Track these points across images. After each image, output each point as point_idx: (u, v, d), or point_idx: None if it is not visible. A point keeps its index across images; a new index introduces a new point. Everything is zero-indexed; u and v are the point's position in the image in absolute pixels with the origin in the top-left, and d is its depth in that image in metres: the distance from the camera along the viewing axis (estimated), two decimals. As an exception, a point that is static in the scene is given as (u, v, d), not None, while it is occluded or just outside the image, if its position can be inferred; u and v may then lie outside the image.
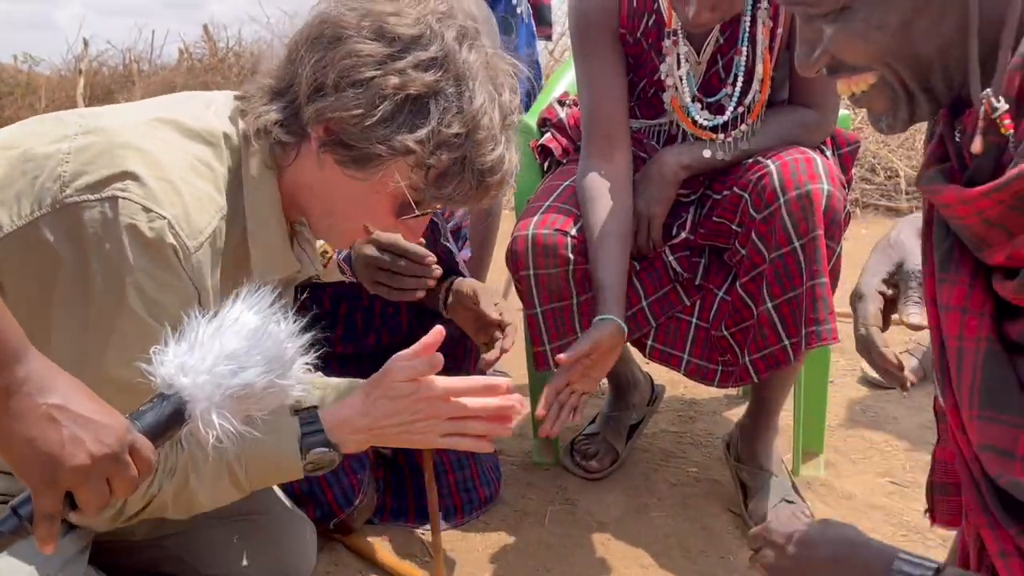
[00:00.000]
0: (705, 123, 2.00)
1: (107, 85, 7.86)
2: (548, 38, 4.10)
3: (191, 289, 1.26)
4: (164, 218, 1.22)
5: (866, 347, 1.38)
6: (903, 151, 5.43)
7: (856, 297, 1.41)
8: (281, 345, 1.07)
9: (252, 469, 1.38)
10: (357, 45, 1.26)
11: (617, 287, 1.89)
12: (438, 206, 1.38)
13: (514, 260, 1.97)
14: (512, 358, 2.69)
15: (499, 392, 1.47)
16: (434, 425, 1.45)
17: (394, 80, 1.26)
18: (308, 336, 1.11)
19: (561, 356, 1.78)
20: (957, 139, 1.16)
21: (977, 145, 1.08)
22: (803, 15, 1.15)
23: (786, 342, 1.88)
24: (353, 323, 2.14)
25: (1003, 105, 1.04)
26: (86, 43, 8.07)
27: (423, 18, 1.29)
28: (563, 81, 2.49)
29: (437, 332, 1.43)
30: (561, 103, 2.23)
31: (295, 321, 1.11)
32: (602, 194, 1.95)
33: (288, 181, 1.37)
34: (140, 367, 1.04)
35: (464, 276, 2.05)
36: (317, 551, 1.87)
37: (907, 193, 5.19)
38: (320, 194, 1.36)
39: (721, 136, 2.00)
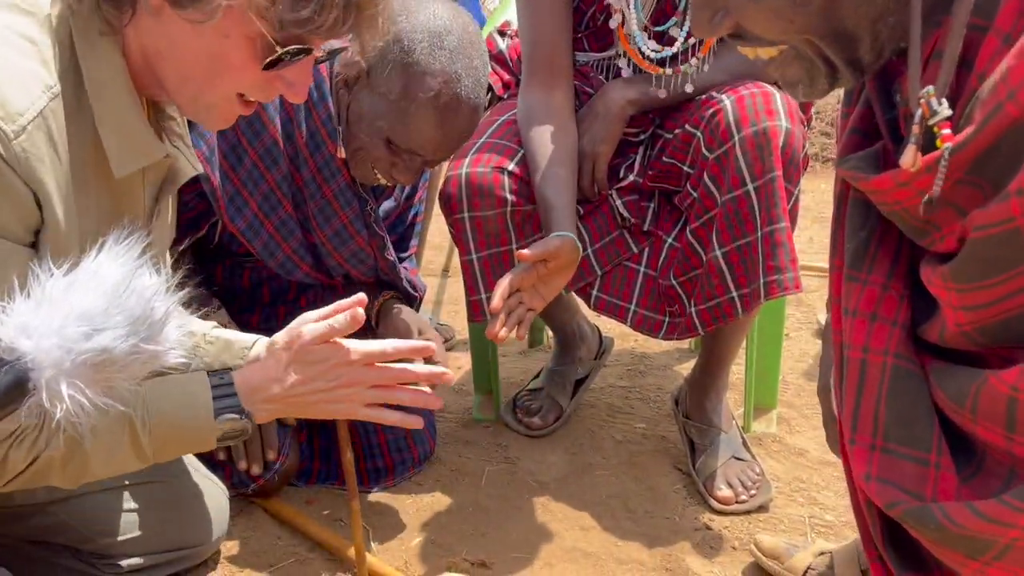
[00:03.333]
0: (652, 55, 1.84)
1: None
2: None
3: (21, 186, 1.06)
4: None
5: None
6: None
7: (825, 391, 1.28)
8: (148, 303, 0.91)
9: (157, 433, 1.24)
10: None
11: (568, 207, 1.75)
12: (315, 46, 1.14)
13: (448, 203, 1.82)
14: (457, 313, 2.58)
15: (429, 353, 1.35)
16: (356, 393, 1.32)
17: None
18: (183, 293, 0.96)
19: (524, 251, 1.64)
20: (896, 104, 1.00)
21: (908, 159, 0.91)
22: None
23: (734, 293, 1.76)
24: (275, 312, 2.00)
25: (944, 109, 0.87)
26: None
27: None
28: (507, 12, 2.33)
29: (358, 300, 1.29)
30: (502, 34, 2.07)
31: (169, 275, 0.95)
32: (544, 121, 1.81)
33: (134, 49, 1.15)
34: None
35: (411, 293, 1.95)
36: (235, 515, 1.77)
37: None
38: (170, 56, 1.14)
39: (669, 71, 1.85)
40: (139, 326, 0.91)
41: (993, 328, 0.93)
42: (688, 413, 2.06)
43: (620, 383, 2.45)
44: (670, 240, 1.89)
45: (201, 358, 1.38)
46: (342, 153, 1.74)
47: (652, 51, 1.84)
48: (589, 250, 1.91)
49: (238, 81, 1.15)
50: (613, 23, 1.86)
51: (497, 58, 2.05)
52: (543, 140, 1.80)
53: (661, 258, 1.90)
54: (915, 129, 0.90)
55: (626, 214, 1.90)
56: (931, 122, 0.88)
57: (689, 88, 1.83)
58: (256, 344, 1.40)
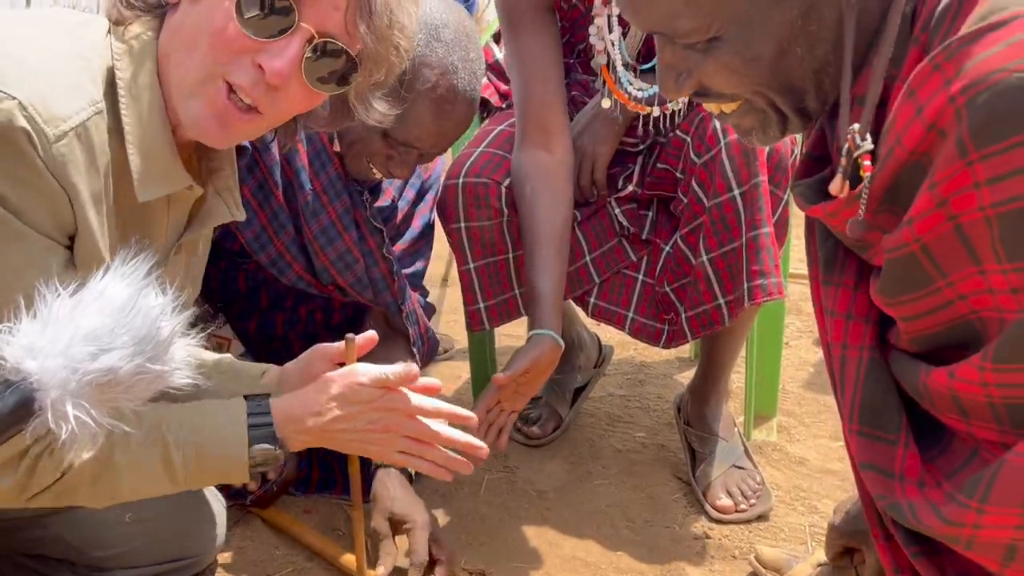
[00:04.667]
0: (639, 94, 1.81)
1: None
2: None
3: (56, 188, 1.07)
4: (13, 98, 1.02)
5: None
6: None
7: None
8: (153, 323, 0.90)
9: (189, 454, 1.22)
10: None
11: (553, 296, 1.74)
12: (302, 16, 1.11)
13: (444, 212, 1.82)
14: (456, 322, 2.57)
15: (470, 424, 1.35)
16: (391, 439, 1.31)
17: None
18: (190, 313, 0.95)
19: (498, 376, 1.66)
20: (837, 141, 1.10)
21: (836, 187, 1.02)
22: (664, 39, 1.05)
23: (720, 300, 1.77)
24: (273, 319, 1.99)
25: (866, 144, 0.98)
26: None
27: None
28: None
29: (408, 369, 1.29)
30: (497, 40, 2.07)
31: (175, 295, 0.94)
32: (538, 186, 1.78)
33: (161, 62, 1.17)
34: None
35: (403, 326, 1.89)
36: (232, 525, 1.76)
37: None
38: (173, 49, 1.15)
39: (657, 109, 1.82)
40: (145, 346, 0.90)
41: (924, 340, 1.03)
42: (689, 420, 2.06)
43: (620, 392, 2.45)
44: (667, 248, 1.89)
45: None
46: (336, 147, 1.73)
47: (638, 90, 1.81)
48: (587, 258, 1.91)
49: (217, 46, 1.12)
50: (596, 64, 1.84)
51: (493, 67, 2.05)
52: (535, 212, 1.77)
53: (659, 265, 1.90)
54: (843, 161, 1.01)
55: (624, 222, 1.90)
56: (856, 155, 0.99)
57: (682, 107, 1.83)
58: (267, 373, 1.40)
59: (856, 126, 1.00)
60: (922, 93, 0.90)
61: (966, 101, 0.85)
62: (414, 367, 1.29)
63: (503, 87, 2.04)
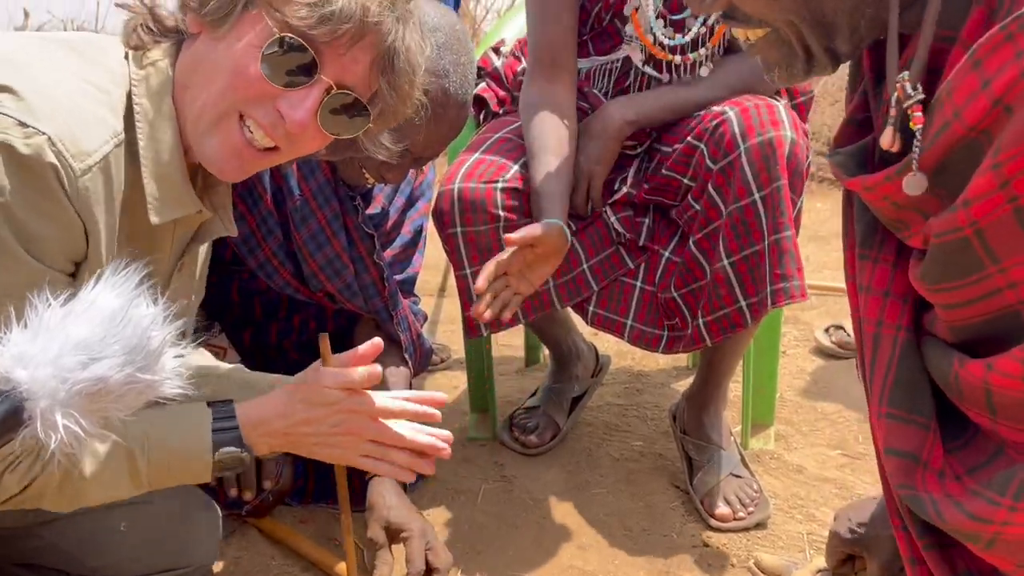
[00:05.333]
0: (665, 41, 1.85)
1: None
2: None
3: (75, 220, 1.10)
4: (43, 134, 1.06)
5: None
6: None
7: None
8: (144, 333, 0.90)
9: (155, 461, 1.24)
10: None
11: (558, 195, 1.76)
12: (322, 63, 1.14)
13: (440, 218, 1.82)
14: (454, 332, 2.58)
15: (434, 421, 1.36)
16: (354, 442, 1.33)
17: None
18: (181, 323, 0.95)
19: (510, 236, 1.66)
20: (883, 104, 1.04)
21: (887, 139, 0.97)
22: None
23: (742, 303, 1.76)
24: (267, 329, 1.99)
25: (918, 93, 0.93)
26: (27, 13, 7.71)
27: None
28: (501, 32, 2.33)
29: (374, 345, 1.30)
30: (496, 51, 2.07)
31: (165, 305, 0.94)
32: (544, 110, 1.83)
33: (178, 91, 1.20)
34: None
35: (396, 334, 1.89)
36: (228, 535, 1.76)
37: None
38: (191, 82, 1.18)
39: (678, 58, 1.86)
40: (135, 355, 0.90)
41: (965, 329, 0.99)
42: (686, 429, 2.05)
43: (617, 401, 2.44)
44: (667, 254, 1.88)
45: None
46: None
47: (666, 37, 1.85)
48: (584, 266, 1.91)
49: (237, 87, 1.15)
50: (628, 8, 1.87)
51: (492, 75, 2.06)
52: (540, 128, 1.82)
53: (659, 272, 1.89)
54: (892, 112, 0.96)
55: (621, 230, 1.90)
56: (905, 105, 0.94)
57: (705, 71, 1.84)
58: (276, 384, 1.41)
59: (906, 73, 0.93)
60: (990, 64, 0.84)
61: None
62: (377, 368, 1.29)
63: (501, 92, 2.05)
